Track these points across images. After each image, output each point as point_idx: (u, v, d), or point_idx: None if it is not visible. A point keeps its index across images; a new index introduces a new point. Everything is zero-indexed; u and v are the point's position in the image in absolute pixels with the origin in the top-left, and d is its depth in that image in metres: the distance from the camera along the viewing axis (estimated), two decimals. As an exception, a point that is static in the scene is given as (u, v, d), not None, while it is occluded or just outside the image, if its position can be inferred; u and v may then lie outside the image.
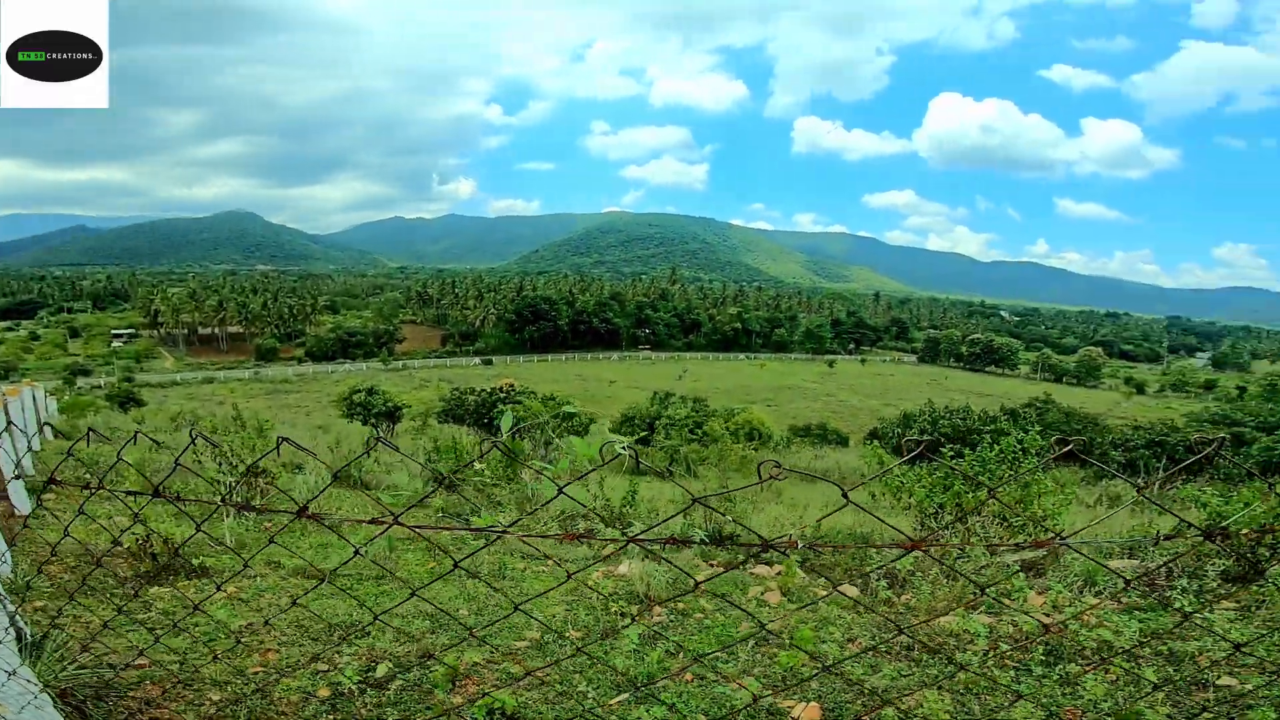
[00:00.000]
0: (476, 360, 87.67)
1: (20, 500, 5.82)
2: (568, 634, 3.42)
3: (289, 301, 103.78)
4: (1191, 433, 29.74)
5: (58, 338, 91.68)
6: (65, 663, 2.51)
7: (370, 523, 1.26)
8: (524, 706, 2.63)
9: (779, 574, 4.50)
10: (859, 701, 2.80)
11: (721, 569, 4.62)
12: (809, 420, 47.22)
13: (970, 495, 4.49)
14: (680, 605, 3.85)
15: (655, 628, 3.49)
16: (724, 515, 5.22)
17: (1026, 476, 5.25)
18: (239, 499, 6.00)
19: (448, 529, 1.50)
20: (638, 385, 63.05)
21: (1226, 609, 3.84)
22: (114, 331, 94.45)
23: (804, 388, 75.61)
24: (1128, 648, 3.22)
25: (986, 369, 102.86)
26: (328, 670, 2.93)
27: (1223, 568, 4.47)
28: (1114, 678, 2.97)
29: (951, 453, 7.41)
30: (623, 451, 1.24)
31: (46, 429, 12.28)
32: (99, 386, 53.57)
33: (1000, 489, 4.61)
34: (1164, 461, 24.66)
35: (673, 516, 5.75)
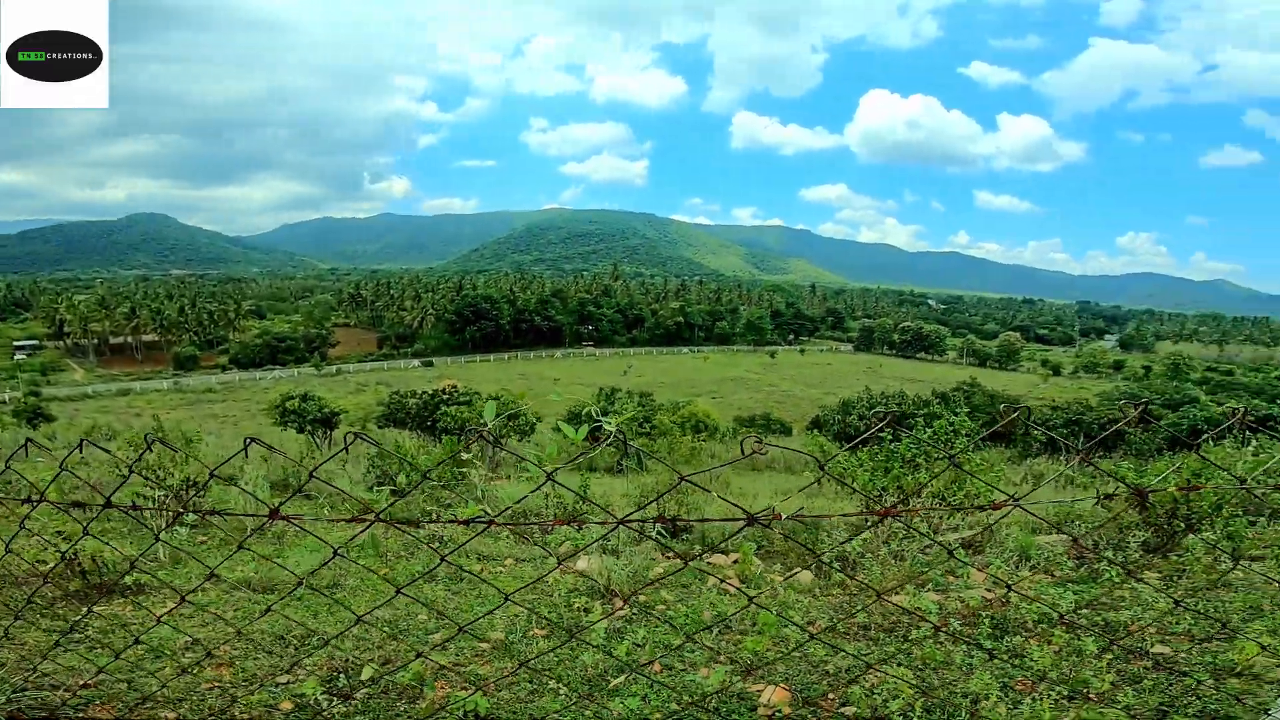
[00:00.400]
0: (416, 363, 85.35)
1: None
2: (532, 633, 3.41)
3: (209, 307, 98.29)
4: (1104, 412, 31.85)
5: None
6: (3, 686, 2.35)
7: (350, 521, 1.24)
8: (497, 707, 2.61)
9: (736, 563, 4.61)
10: (825, 682, 2.90)
11: (680, 560, 4.70)
12: (753, 411, 48.26)
13: (910, 477, 4.72)
14: (643, 598, 3.90)
15: (621, 620, 3.52)
16: (696, 500, 5.30)
17: (961, 457, 5.56)
18: (169, 515, 5.69)
19: (435, 521, 1.48)
20: (582, 382, 62.83)
21: (1151, 579, 4.15)
22: (15, 343, 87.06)
23: (747, 379, 77.08)
24: (1067, 618, 3.43)
25: (917, 355, 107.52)
26: (289, 682, 2.83)
27: (1143, 539, 4.83)
28: (1057, 648, 3.16)
29: (889, 437, 7.73)
30: (615, 434, 1.26)
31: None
32: (3, 402, 49.36)
33: (942, 467, 4.85)
34: (1080, 439, 26.40)
35: (656, 499, 5.79)
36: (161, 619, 2.47)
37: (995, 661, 2.92)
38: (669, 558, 5.15)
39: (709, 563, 4.53)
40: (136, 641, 2.33)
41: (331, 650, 3.10)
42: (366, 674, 2.77)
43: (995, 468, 7.41)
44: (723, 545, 5.01)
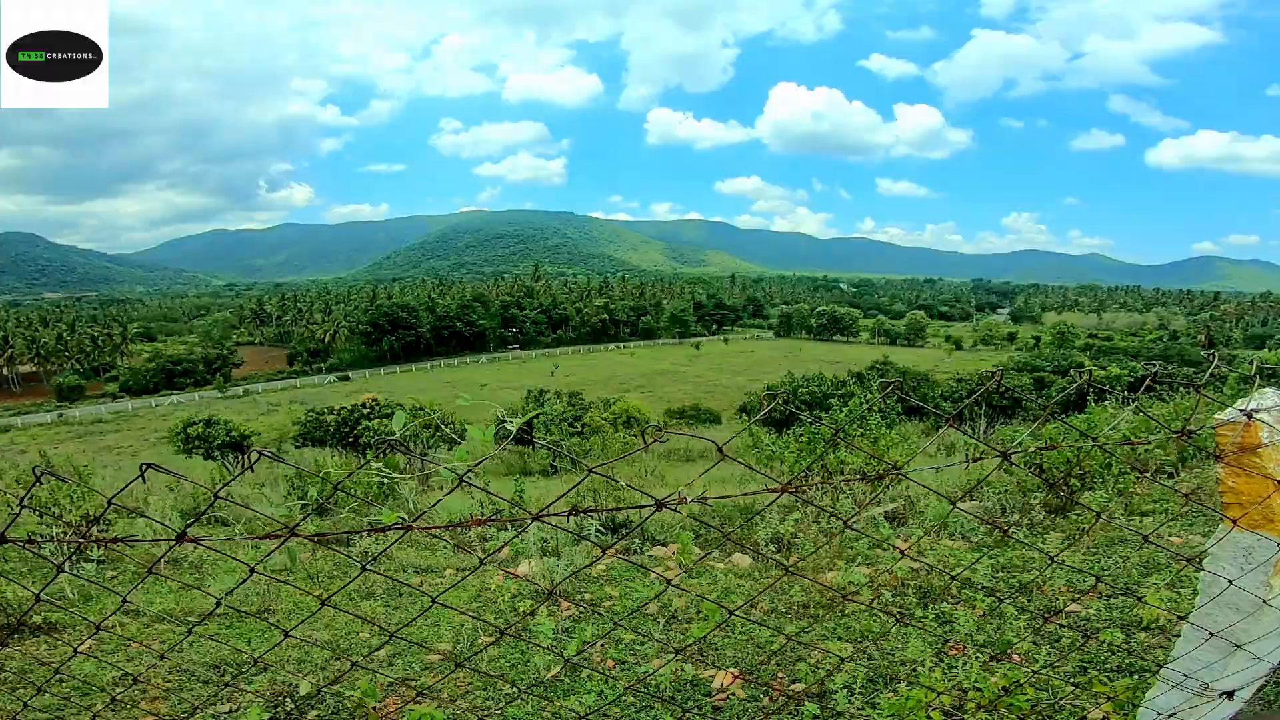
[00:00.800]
0: (331, 378, 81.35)
1: None
2: (480, 641, 3.40)
3: (91, 332, 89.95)
4: (1003, 381, 34.36)
5: None
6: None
7: (265, 538, 1.22)
8: (454, 718, 2.60)
9: (675, 553, 4.73)
10: (773, 662, 3.02)
11: (621, 555, 4.77)
12: (683, 402, 48.98)
13: (832, 455, 4.98)
14: (587, 596, 3.94)
15: (569, 620, 3.56)
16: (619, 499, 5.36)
17: (876, 431, 5.92)
18: (70, 548, 5.26)
19: (350, 533, 1.47)
20: (510, 386, 61.83)
21: (1055, 539, 4.52)
22: None
23: (674, 371, 78.11)
24: (985, 583, 3.68)
25: (834, 338, 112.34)
26: (231, 711, 2.70)
27: (1044, 501, 5.23)
28: (982, 612, 3.34)
29: (810, 417, 8.11)
30: (512, 430, 1.31)
31: None
32: None
33: (858, 441, 5.15)
34: (983, 408, 28.35)
35: (569, 491, 5.80)
36: (79, 651, 2.30)
37: (926, 628, 3.12)
38: (615, 555, 5.22)
39: (650, 555, 4.62)
40: (58, 674, 2.17)
41: (272, 676, 2.98)
42: (305, 689, 2.69)
43: (909, 440, 7.86)
44: (662, 538, 5.13)
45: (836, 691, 2.51)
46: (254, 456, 1.27)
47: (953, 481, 7.46)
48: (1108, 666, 2.73)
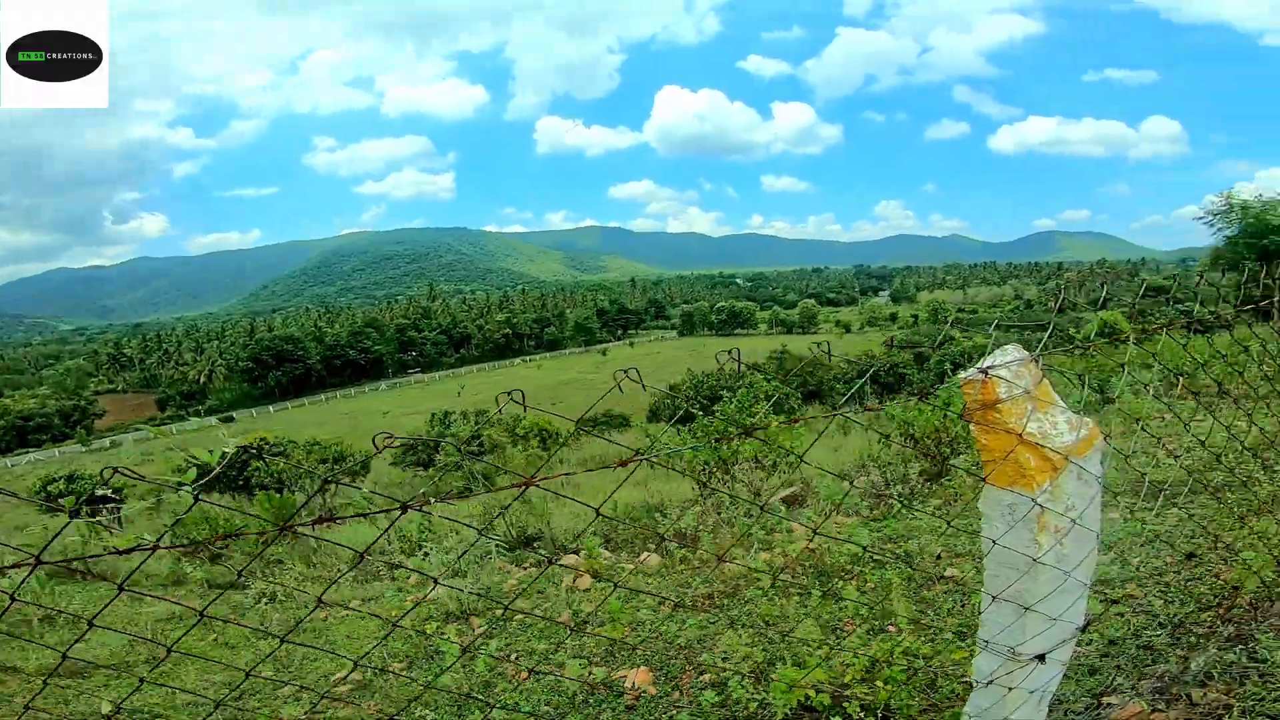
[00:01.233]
0: (213, 420, 74.96)
1: None
2: (391, 666, 3.34)
3: (-87, 396, 77.92)
4: (886, 360, 36.87)
5: None
6: None
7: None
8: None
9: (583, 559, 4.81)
10: (682, 656, 3.15)
11: (533, 570, 4.81)
12: (594, 410, 48.96)
13: (726, 447, 5.25)
14: (498, 612, 3.96)
15: (482, 639, 3.57)
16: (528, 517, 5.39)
17: (766, 421, 6.25)
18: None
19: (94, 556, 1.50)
20: (415, 411, 59.44)
21: (934, 504, 4.92)
22: None
23: (583, 380, 77.97)
24: (874, 555, 3.89)
25: (734, 332, 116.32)
26: None
27: (921, 469, 5.68)
28: (873, 584, 3.51)
29: (707, 413, 8.44)
30: (229, 451, 1.37)
31: None
32: None
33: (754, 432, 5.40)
34: (872, 386, 30.36)
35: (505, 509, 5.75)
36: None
37: (817, 607, 3.35)
38: (524, 569, 5.23)
39: (562, 565, 4.69)
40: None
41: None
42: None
43: (798, 426, 8.29)
44: (574, 546, 5.20)
45: (731, 678, 2.65)
46: (94, 511, 1.25)
47: (847, 460, 7.98)
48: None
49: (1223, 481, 3.93)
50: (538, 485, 1.27)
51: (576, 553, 4.93)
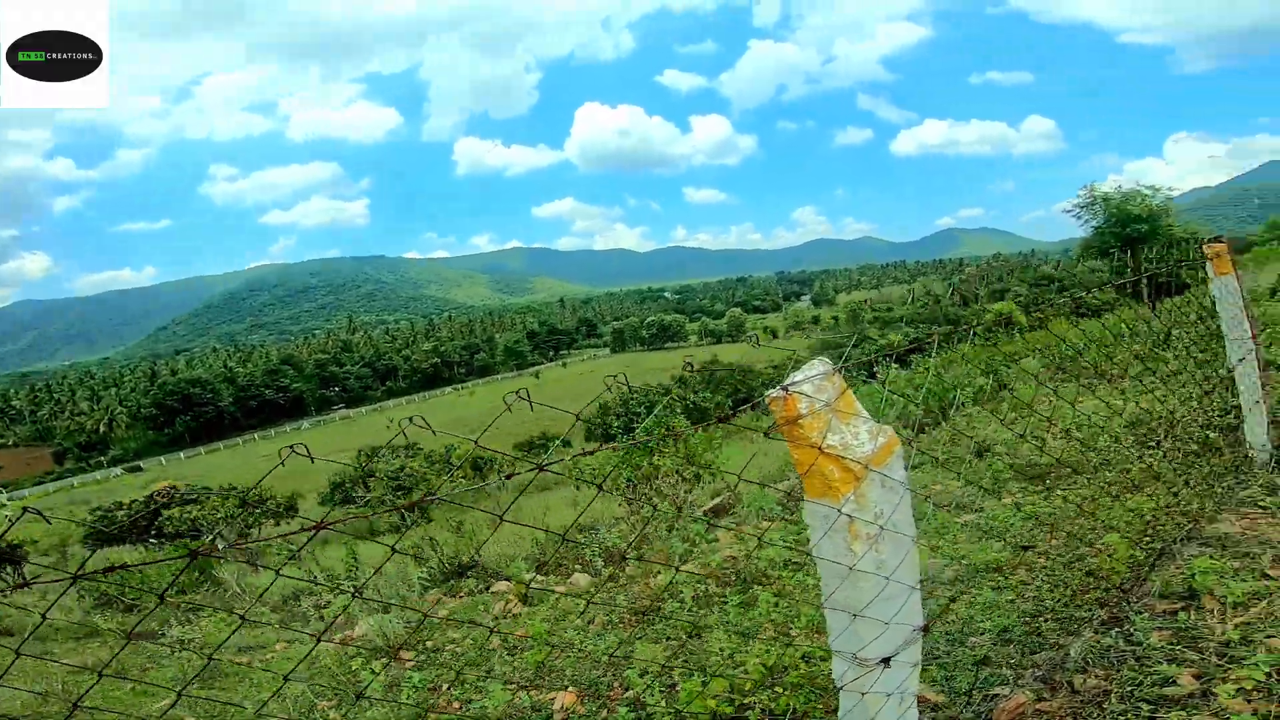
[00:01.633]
0: (118, 470, 69.51)
1: None
2: (320, 707, 3.28)
3: None
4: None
5: None
6: None
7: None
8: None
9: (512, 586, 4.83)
10: (608, 675, 3.20)
11: (465, 597, 4.79)
12: (530, 433, 48.37)
13: (646, 463, 5.40)
14: (429, 643, 3.94)
15: (412, 669, 3.54)
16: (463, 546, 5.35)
17: (682, 429, 6.45)
18: None
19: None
20: (342, 448, 56.95)
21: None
22: None
23: (517, 405, 76.83)
24: (789, 559, 3.98)
25: (665, 345, 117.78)
26: None
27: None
28: (792, 588, 3.53)
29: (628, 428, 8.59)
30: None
31: None
32: None
33: (673, 444, 5.59)
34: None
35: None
36: None
37: (740, 615, 3.38)
38: (459, 597, 5.20)
39: (493, 592, 4.70)
40: None
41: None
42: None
43: (716, 437, 8.52)
44: (507, 574, 5.21)
45: (645, 692, 2.69)
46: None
47: (772, 466, 8.28)
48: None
49: (1102, 460, 4.22)
50: (432, 501, 1.35)
51: (509, 579, 4.94)
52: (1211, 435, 3.94)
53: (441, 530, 7.30)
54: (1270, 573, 2.61)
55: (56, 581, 0.98)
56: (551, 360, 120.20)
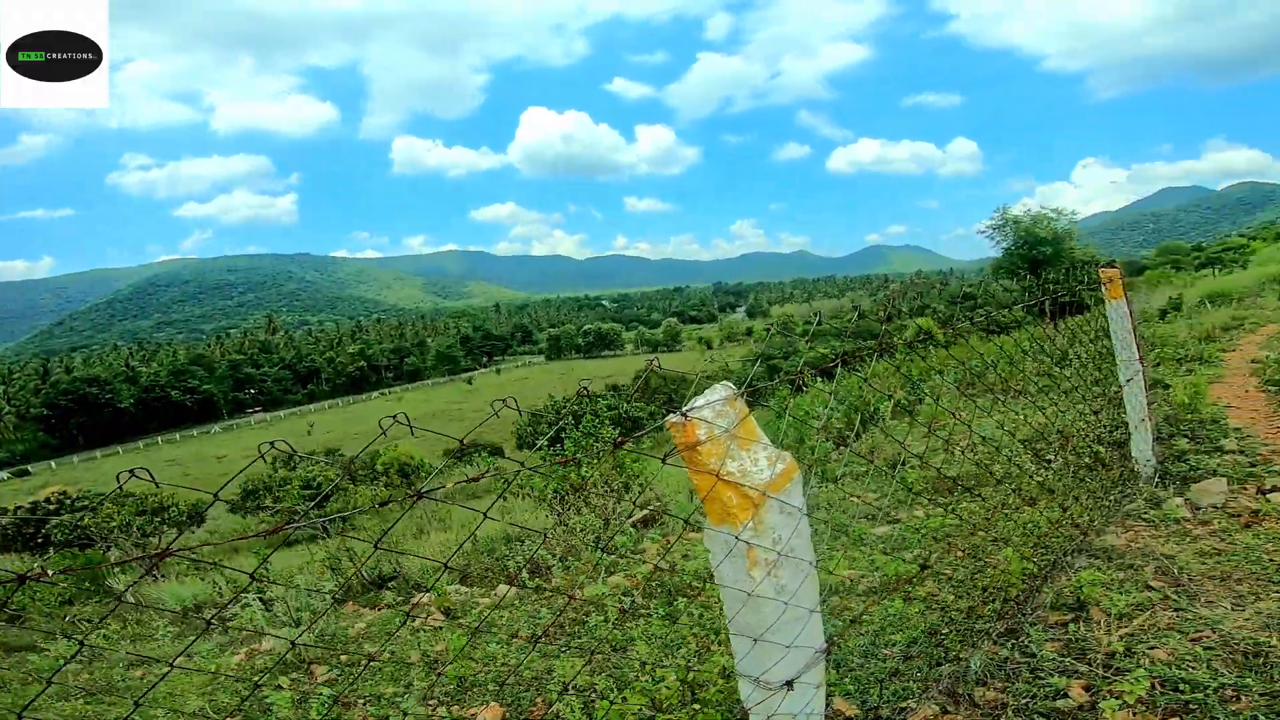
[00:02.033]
0: (3, 474, 63.53)
1: None
2: None
3: None
4: (743, 372, 39.15)
5: None
6: None
7: None
8: None
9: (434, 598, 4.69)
10: (532, 689, 3.14)
11: (386, 612, 4.62)
12: (468, 436, 47.16)
13: (575, 475, 5.38)
14: (344, 657, 3.77)
15: (323, 685, 3.37)
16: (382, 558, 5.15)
17: (608, 447, 6.46)
18: None
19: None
20: (256, 454, 53.86)
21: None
22: None
23: (449, 410, 75.01)
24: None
25: (602, 353, 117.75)
26: None
27: None
28: (715, 600, 3.37)
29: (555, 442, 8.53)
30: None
31: None
32: None
33: (596, 460, 5.55)
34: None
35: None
36: None
37: (659, 627, 3.37)
38: (378, 610, 5.00)
39: (414, 603, 4.55)
40: None
41: None
42: None
43: (642, 445, 8.58)
44: (428, 582, 5.05)
45: (565, 707, 2.68)
46: None
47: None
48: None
49: (1004, 474, 4.46)
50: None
51: (429, 590, 4.80)
52: (1101, 450, 4.26)
53: (360, 541, 7.02)
54: (1153, 584, 2.79)
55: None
56: (485, 366, 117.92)
